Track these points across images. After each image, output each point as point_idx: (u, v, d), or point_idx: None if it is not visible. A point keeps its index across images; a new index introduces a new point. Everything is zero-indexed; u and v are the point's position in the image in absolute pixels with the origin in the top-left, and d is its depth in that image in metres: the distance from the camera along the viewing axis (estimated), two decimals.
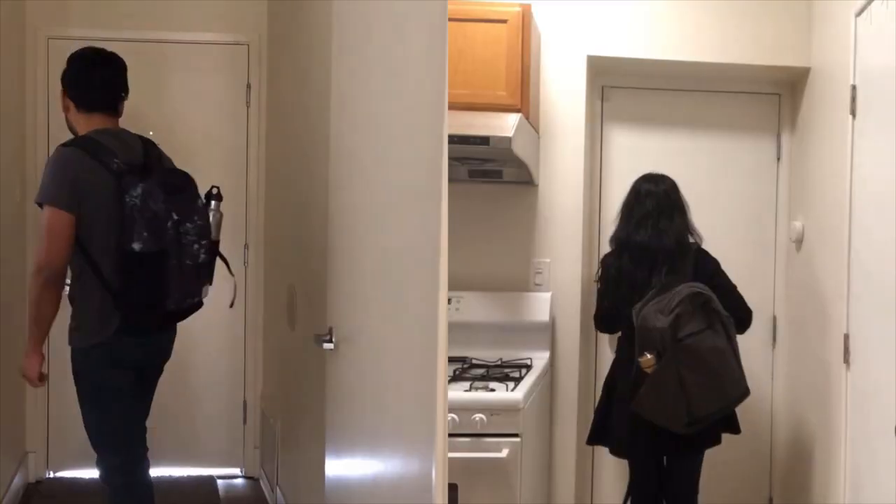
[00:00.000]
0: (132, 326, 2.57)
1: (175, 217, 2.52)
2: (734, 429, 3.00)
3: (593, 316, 3.27)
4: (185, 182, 2.65)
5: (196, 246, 2.58)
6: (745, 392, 2.84)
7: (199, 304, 2.75)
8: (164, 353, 2.81)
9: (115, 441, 2.70)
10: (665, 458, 3.05)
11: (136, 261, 2.48)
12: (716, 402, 2.76)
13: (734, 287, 2.97)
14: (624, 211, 3.07)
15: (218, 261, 2.77)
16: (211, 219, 2.69)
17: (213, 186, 2.76)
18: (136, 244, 2.46)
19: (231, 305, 3.01)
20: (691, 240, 3.02)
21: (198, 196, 2.67)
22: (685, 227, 3.01)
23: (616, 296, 2.99)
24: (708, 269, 2.96)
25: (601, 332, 3.35)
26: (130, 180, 2.49)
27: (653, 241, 2.93)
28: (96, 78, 2.66)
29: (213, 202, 2.72)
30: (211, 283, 2.74)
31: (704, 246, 3.06)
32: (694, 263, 2.94)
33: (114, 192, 2.49)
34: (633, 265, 2.95)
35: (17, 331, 3.35)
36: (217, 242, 2.73)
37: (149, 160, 2.62)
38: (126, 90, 2.73)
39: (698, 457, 3.02)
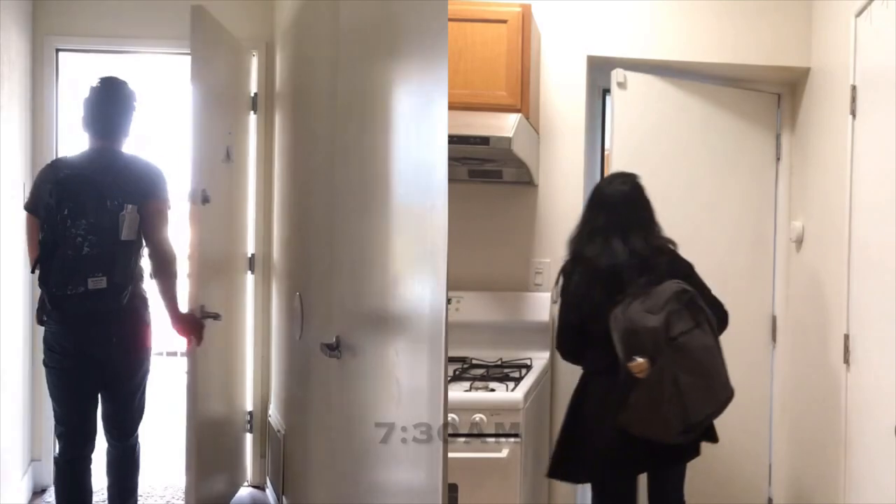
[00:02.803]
0: (52, 312, 2.92)
1: (65, 213, 2.87)
2: (713, 438, 2.74)
3: (556, 340, 2.89)
4: (89, 188, 2.90)
5: (80, 240, 2.87)
6: (731, 394, 2.59)
7: (102, 300, 2.90)
8: (98, 347, 2.97)
9: (56, 416, 3.07)
10: (649, 474, 2.80)
11: (43, 250, 2.90)
12: (710, 405, 2.54)
13: (708, 288, 2.70)
14: (583, 213, 2.84)
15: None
16: (120, 220, 2.93)
17: None
18: (41, 234, 2.91)
19: (151, 277, 3.17)
20: (657, 244, 2.71)
21: (103, 200, 2.92)
22: (645, 238, 2.70)
23: (580, 312, 2.73)
24: (681, 272, 2.66)
25: (569, 358, 2.87)
26: (52, 187, 2.90)
27: (605, 259, 2.67)
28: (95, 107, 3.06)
29: (128, 206, 2.95)
30: (107, 276, 2.90)
31: (706, 246, 3.04)
32: (667, 268, 2.65)
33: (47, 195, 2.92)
34: (585, 283, 2.69)
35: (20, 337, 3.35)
36: (128, 242, 2.95)
37: (92, 171, 2.94)
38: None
39: (681, 469, 2.79)
